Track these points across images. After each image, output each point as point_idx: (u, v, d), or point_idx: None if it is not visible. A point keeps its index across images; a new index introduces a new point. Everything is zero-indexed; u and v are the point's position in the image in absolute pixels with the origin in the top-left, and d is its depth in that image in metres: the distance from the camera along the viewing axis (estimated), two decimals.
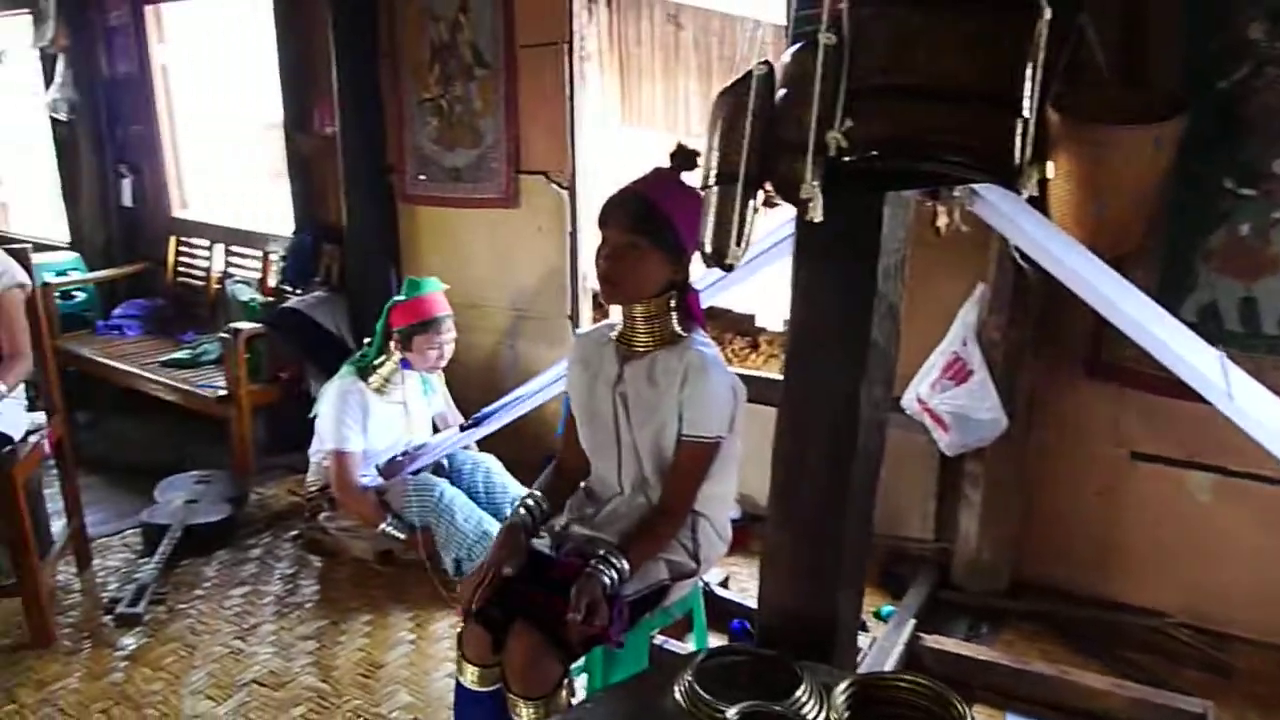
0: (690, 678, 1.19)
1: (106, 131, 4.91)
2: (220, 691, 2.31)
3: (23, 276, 2.51)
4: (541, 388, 2.62)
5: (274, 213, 4.57)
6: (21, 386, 2.55)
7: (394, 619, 2.66)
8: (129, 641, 2.51)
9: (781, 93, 1.01)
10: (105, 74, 4.82)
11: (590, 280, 3.65)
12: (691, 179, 1.73)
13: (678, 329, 1.78)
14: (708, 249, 1.11)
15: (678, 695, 1.19)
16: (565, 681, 1.67)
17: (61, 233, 5.35)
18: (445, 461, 3.09)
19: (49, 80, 4.82)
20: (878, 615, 2.70)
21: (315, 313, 3.85)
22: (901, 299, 1.21)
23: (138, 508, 3.28)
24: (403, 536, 2.83)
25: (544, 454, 3.61)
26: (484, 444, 3.10)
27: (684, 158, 1.69)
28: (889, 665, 2.30)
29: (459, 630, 1.73)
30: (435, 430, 3.23)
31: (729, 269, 1.09)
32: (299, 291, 4.09)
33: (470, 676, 1.71)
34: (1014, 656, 2.38)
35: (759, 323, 3.58)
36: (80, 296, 4.97)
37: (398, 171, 3.86)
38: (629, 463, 1.81)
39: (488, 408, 2.78)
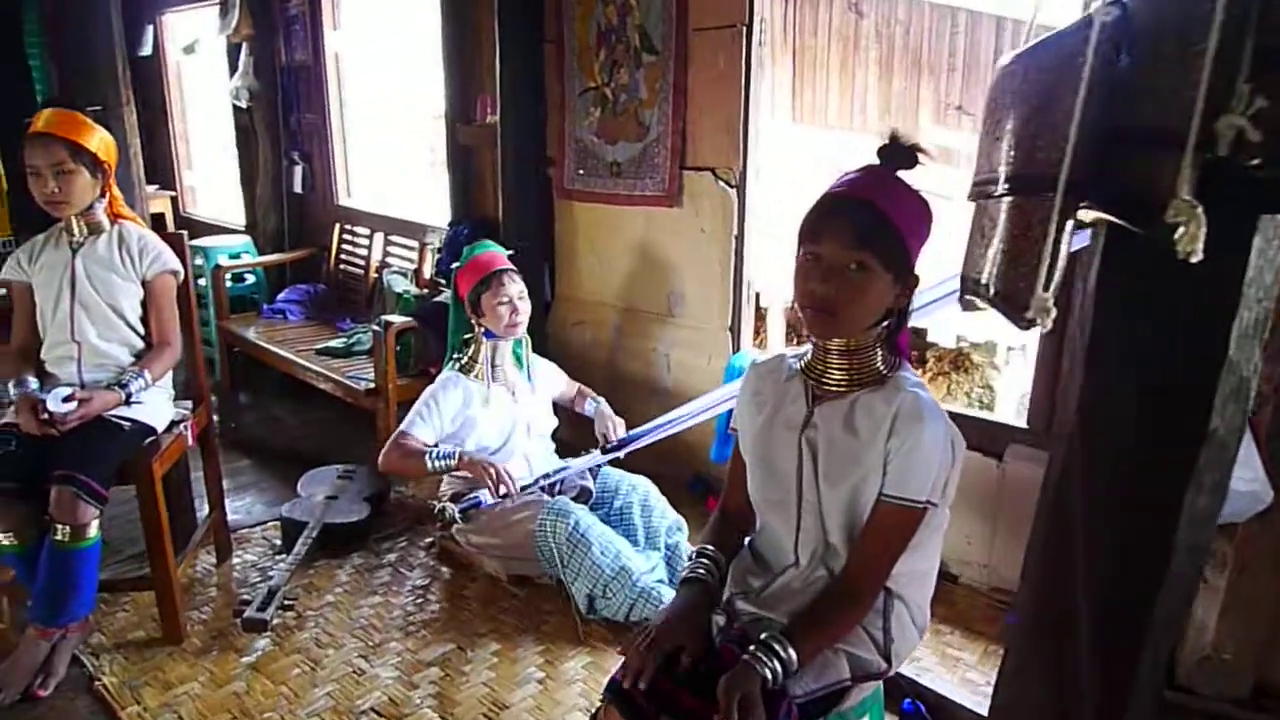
0: None
1: (281, 119, 5.00)
2: (337, 718, 2.15)
3: (175, 264, 2.45)
4: (695, 413, 2.32)
5: (434, 204, 4.51)
6: (169, 376, 2.49)
7: (523, 652, 2.44)
8: (255, 648, 2.41)
9: (1135, 54, 0.65)
10: (283, 62, 4.92)
11: (756, 288, 3.32)
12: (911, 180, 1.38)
13: (881, 367, 1.44)
14: (991, 289, 0.77)
15: None
16: None
17: (239, 217, 5.53)
18: (591, 482, 2.85)
19: (233, 69, 4.96)
20: None
21: None
22: (1259, 373, 0.82)
23: (284, 497, 3.24)
24: (459, 520, 2.68)
25: (693, 472, 3.33)
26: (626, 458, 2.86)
27: (903, 153, 1.34)
28: None
29: (597, 709, 1.45)
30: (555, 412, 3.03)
31: (1028, 325, 0.74)
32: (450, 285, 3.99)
33: None
34: None
35: (930, 337, 3.13)
36: (250, 279, 5.11)
37: (556, 165, 3.67)
38: (810, 528, 1.47)
39: (635, 430, 2.51)
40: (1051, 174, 0.67)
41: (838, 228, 1.32)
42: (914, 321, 2.89)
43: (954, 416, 2.83)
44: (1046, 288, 0.71)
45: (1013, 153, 0.71)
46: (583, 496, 2.82)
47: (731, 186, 3.09)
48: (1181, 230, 0.63)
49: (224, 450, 3.87)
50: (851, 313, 1.36)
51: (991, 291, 0.76)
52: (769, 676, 1.30)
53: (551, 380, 3.06)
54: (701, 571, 1.50)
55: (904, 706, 2.22)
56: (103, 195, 2.34)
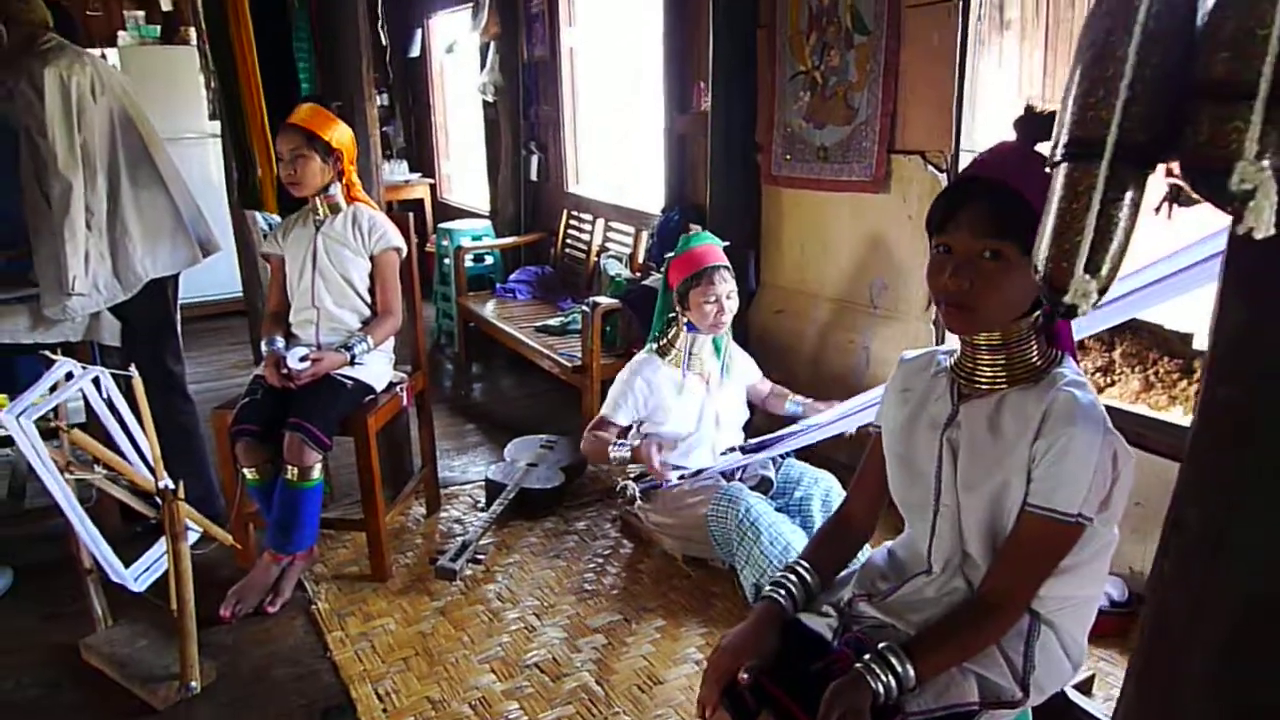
0: None
1: (521, 111, 5.36)
2: (505, 668, 2.30)
3: (398, 241, 2.71)
4: (850, 413, 2.22)
5: (653, 191, 4.63)
6: (390, 341, 2.77)
7: (686, 631, 2.46)
8: (445, 594, 2.64)
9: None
10: (524, 58, 5.25)
11: None
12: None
13: (1037, 361, 1.29)
14: (1038, 270, 0.68)
15: None
16: None
17: (485, 203, 6.01)
18: (773, 472, 2.82)
19: (483, 66, 5.38)
20: None
21: None
22: None
23: (497, 460, 3.50)
24: (639, 499, 2.79)
25: None
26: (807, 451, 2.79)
27: (1036, 124, 1.18)
28: None
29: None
30: (751, 409, 3.00)
31: (1071, 313, 0.65)
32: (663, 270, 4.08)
33: None
34: None
35: (1198, 344, 2.69)
36: (489, 261, 5.54)
37: (764, 150, 3.63)
38: (946, 533, 1.37)
39: (785, 430, 2.47)
40: (1101, 135, 0.57)
41: (967, 215, 1.21)
42: (1176, 323, 2.57)
43: (1160, 425, 2.48)
44: (1089, 268, 0.61)
45: (1070, 112, 0.61)
46: (763, 486, 2.79)
47: (942, 171, 2.90)
48: (1254, 199, 0.51)
49: (451, 414, 4.26)
50: (989, 305, 1.24)
51: (1039, 271, 0.66)
52: (881, 692, 1.22)
53: (747, 373, 3.05)
54: (781, 591, 1.43)
55: None
56: (340, 179, 2.65)
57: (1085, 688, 2.17)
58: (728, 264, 2.83)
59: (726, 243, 2.94)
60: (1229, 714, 0.77)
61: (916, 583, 1.40)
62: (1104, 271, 0.62)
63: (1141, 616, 0.81)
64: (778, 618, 1.41)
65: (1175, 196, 0.61)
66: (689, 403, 2.84)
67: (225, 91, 2.83)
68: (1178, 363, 2.68)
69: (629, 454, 2.73)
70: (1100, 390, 2.69)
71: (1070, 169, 0.61)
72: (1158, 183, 0.65)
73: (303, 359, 2.51)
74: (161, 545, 2.16)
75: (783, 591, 1.43)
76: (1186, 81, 0.55)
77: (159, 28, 6.02)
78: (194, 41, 5.50)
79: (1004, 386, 1.30)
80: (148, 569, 2.21)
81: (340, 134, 2.60)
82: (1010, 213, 1.17)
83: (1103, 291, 0.64)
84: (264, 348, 2.63)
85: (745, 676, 1.30)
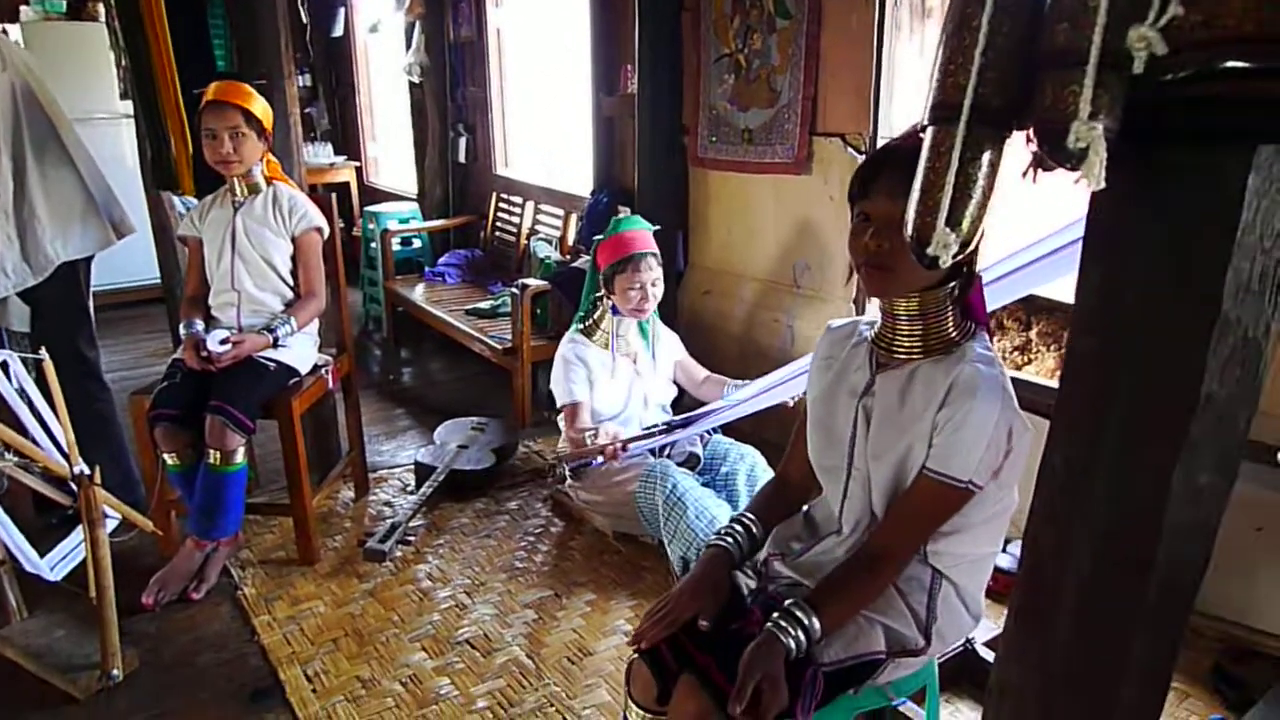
0: None
1: (448, 93, 5.30)
2: (436, 645, 2.32)
3: (320, 222, 2.68)
4: (774, 385, 2.29)
5: (582, 174, 4.64)
6: (315, 324, 2.74)
7: (615, 604, 2.52)
8: (374, 576, 2.64)
9: None
10: (450, 39, 5.19)
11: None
12: None
13: (953, 333, 1.37)
14: (908, 226, 0.73)
15: None
16: None
17: (413, 186, 5.92)
18: (700, 449, 2.88)
19: (408, 46, 5.30)
20: None
21: None
22: (1271, 331, 0.73)
23: (427, 444, 3.49)
24: (569, 477, 2.84)
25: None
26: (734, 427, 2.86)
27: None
28: None
29: (631, 661, 1.50)
30: (682, 392, 3.07)
31: (934, 264, 0.71)
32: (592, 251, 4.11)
33: (634, 717, 1.48)
34: None
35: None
36: (417, 244, 5.48)
37: (691, 133, 3.68)
38: (857, 496, 1.44)
39: (710, 406, 2.53)
40: (960, 101, 0.63)
41: (885, 181, 1.27)
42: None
43: (1054, 393, 2.63)
44: (949, 223, 0.67)
45: (934, 80, 0.67)
46: (690, 462, 2.86)
47: (860, 152, 2.99)
48: (1087, 158, 0.57)
49: (380, 399, 4.23)
50: (906, 265, 1.29)
51: (908, 228, 0.72)
52: (792, 647, 1.29)
53: (673, 350, 3.11)
54: (729, 540, 1.50)
55: None
56: (262, 158, 2.60)
57: (994, 644, 2.29)
58: (655, 251, 2.87)
59: (657, 226, 2.98)
60: (1093, 639, 0.84)
61: (828, 543, 1.47)
62: (965, 226, 0.68)
63: (1020, 555, 0.88)
64: (727, 564, 1.48)
65: (1040, 162, 0.67)
66: (618, 383, 2.88)
67: (136, 69, 2.74)
68: None
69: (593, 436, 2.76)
70: (1018, 368, 2.82)
71: (935, 131, 0.67)
72: (1024, 150, 0.71)
73: (223, 341, 2.47)
74: (78, 533, 2.12)
75: (730, 540, 1.50)
76: (1035, 51, 0.61)
77: (64, 2, 5.76)
78: (102, 17, 5.28)
79: (919, 357, 1.37)
80: (64, 557, 2.17)
81: (266, 111, 2.55)
82: None
83: (965, 245, 0.70)
84: (183, 331, 2.57)
85: (705, 624, 1.36)
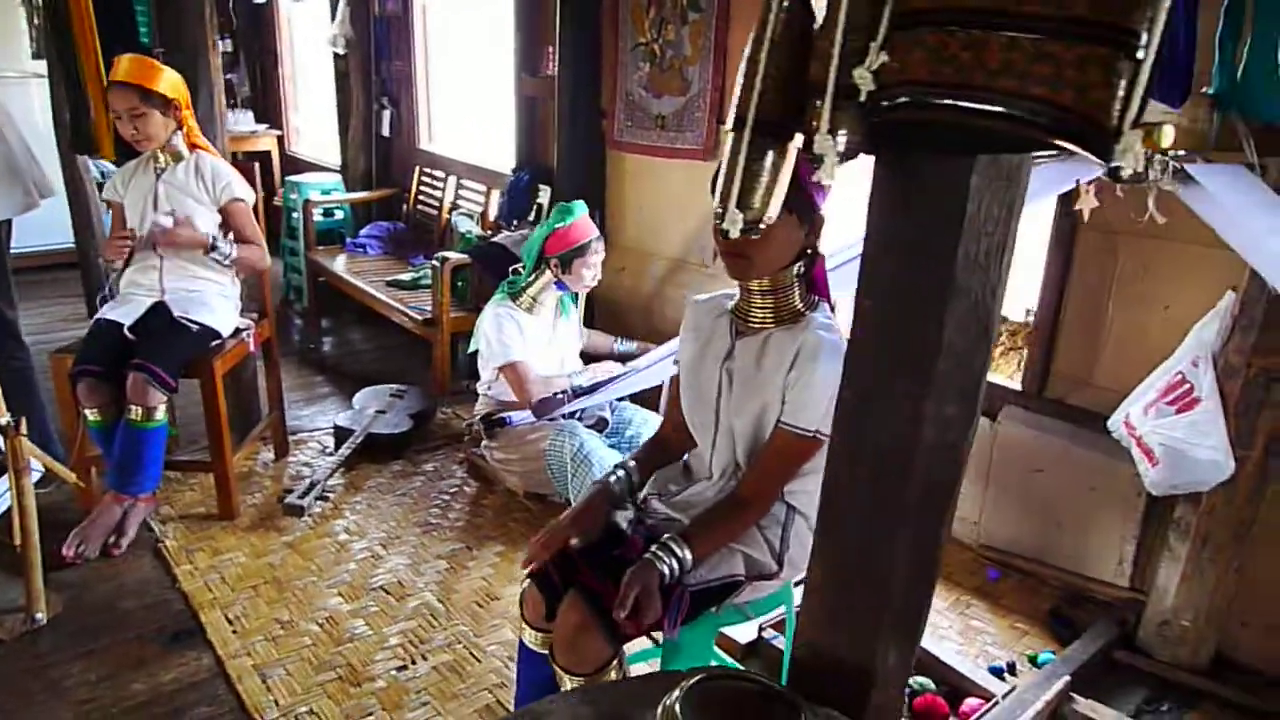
0: (677, 698, 1.07)
1: (373, 66, 5.34)
2: (352, 591, 2.48)
3: (242, 191, 2.77)
4: (654, 362, 2.51)
5: (503, 151, 4.76)
6: (237, 289, 2.84)
7: (522, 555, 2.70)
8: (293, 530, 2.77)
9: (822, 15, 0.80)
10: (376, 12, 5.24)
11: None
12: None
13: (799, 305, 1.60)
14: (715, 209, 0.95)
15: (658, 713, 1.07)
16: (616, 662, 1.58)
17: (336, 157, 5.94)
18: (609, 414, 3.09)
19: (333, 17, 5.32)
20: (1032, 661, 2.35)
21: (517, 248, 3.98)
22: (998, 294, 0.96)
23: (346, 409, 3.61)
24: (484, 436, 3.01)
25: None
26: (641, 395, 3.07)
27: None
28: None
29: (525, 586, 1.70)
30: (585, 360, 3.26)
31: (726, 235, 0.92)
32: (514, 226, 4.26)
33: (528, 636, 1.68)
34: None
35: (1006, 310, 3.09)
36: (339, 215, 5.53)
37: (608, 116, 3.86)
38: (723, 447, 1.66)
39: (607, 376, 2.74)
40: (747, 115, 0.84)
41: None
42: None
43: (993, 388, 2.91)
44: (740, 205, 0.88)
45: (734, 98, 0.88)
46: (599, 426, 3.06)
47: None
48: (822, 161, 0.79)
49: (300, 367, 4.31)
50: (763, 256, 1.53)
51: (714, 211, 0.94)
52: (666, 572, 1.51)
53: (574, 324, 3.29)
54: (613, 479, 1.71)
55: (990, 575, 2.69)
56: (180, 128, 2.68)
57: None
58: (600, 235, 3.06)
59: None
60: (869, 537, 1.08)
61: (700, 485, 1.69)
62: (755, 208, 0.89)
63: (831, 454, 1.11)
64: (606, 498, 1.69)
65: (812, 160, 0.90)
66: (539, 341, 3.05)
67: (57, 33, 2.78)
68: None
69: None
70: None
71: (733, 136, 0.88)
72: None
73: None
74: (3, 483, 2.20)
75: (612, 479, 1.71)
76: (803, 81, 0.82)
77: None
78: None
79: (771, 326, 1.60)
80: None
81: (172, 83, 2.60)
82: None
83: (754, 222, 0.91)
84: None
85: (575, 543, 1.56)
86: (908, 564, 1.07)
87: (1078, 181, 1.57)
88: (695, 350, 1.71)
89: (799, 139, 0.86)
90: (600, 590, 1.53)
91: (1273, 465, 2.17)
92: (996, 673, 2.29)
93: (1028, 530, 2.74)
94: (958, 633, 2.48)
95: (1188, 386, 2.21)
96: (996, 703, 2.07)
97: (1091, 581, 2.63)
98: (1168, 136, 0.68)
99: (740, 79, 0.85)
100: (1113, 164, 0.68)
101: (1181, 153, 1.55)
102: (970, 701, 2.12)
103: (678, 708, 1.06)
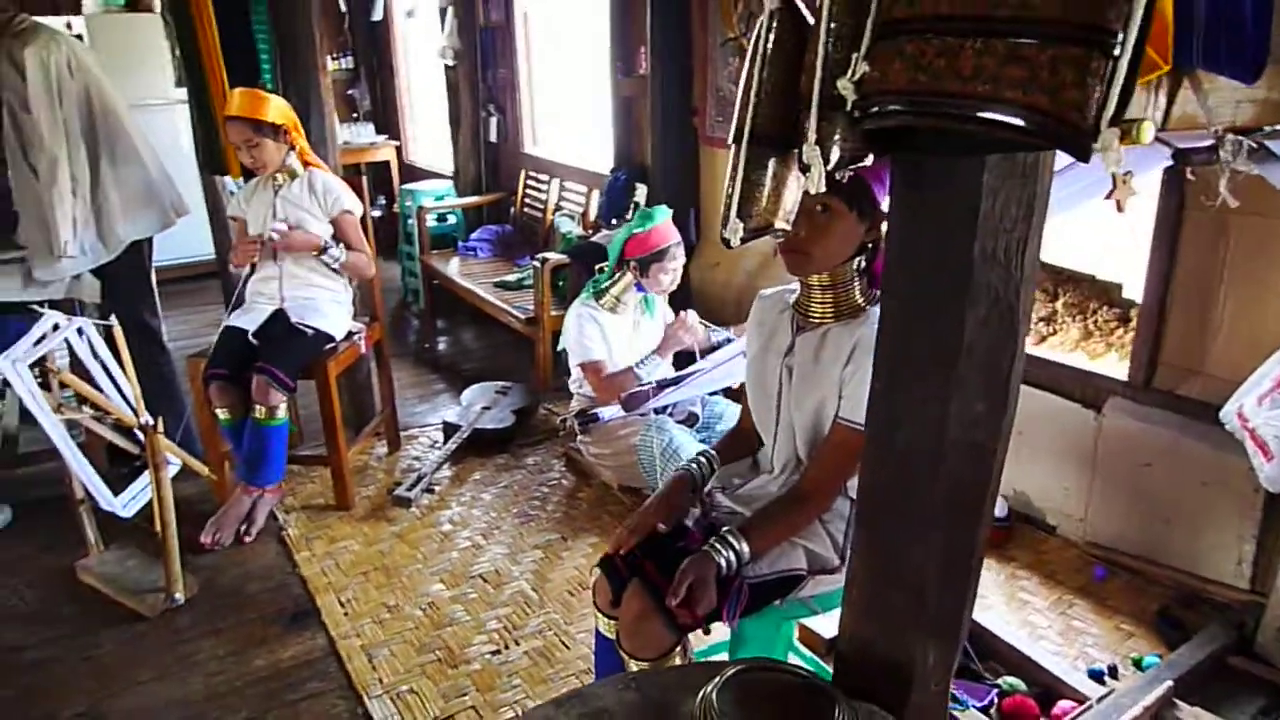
0: (715, 687, 1.11)
1: (479, 75, 5.56)
2: (453, 578, 2.63)
3: (350, 204, 2.97)
4: (732, 357, 2.53)
5: (603, 152, 4.87)
6: (350, 295, 3.05)
7: None
8: (402, 520, 2.95)
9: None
10: (481, 23, 5.44)
11: None
12: None
13: (860, 299, 1.60)
14: (721, 217, 0.98)
15: (696, 701, 1.11)
16: (679, 649, 1.63)
17: (449, 164, 6.21)
18: (700, 409, 3.13)
19: (442, 29, 5.56)
20: (1136, 664, 2.25)
21: None
22: (1022, 292, 0.95)
23: (455, 406, 3.80)
24: (578, 432, 3.07)
25: None
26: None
27: None
28: None
29: (596, 576, 1.77)
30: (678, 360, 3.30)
31: (727, 244, 0.95)
32: (613, 225, 4.36)
33: (601, 623, 1.76)
34: None
35: (1127, 293, 2.90)
36: (451, 220, 5.78)
37: (700, 113, 3.89)
38: (784, 441, 1.68)
39: (688, 369, 2.78)
40: (745, 128, 0.87)
41: None
42: (1108, 274, 2.80)
43: (1050, 364, 2.78)
44: (740, 215, 0.91)
45: (734, 113, 0.91)
46: (690, 420, 3.11)
47: None
48: (810, 171, 0.81)
49: (416, 366, 4.56)
50: (822, 251, 1.54)
51: (721, 218, 0.96)
52: (723, 565, 1.54)
53: (666, 314, 3.34)
54: (694, 468, 1.75)
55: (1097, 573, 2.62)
56: (292, 148, 2.89)
57: None
58: (679, 239, 3.11)
59: (670, 210, 3.19)
60: (902, 537, 1.09)
61: (762, 479, 1.72)
62: (755, 218, 0.92)
63: (864, 453, 1.12)
64: (688, 486, 1.73)
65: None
66: (621, 341, 3.12)
67: (187, 61, 3.05)
68: (1116, 311, 2.87)
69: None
70: (1042, 339, 2.96)
71: (734, 148, 0.92)
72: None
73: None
74: (145, 477, 2.46)
75: (695, 467, 1.75)
76: (796, 93, 0.85)
77: None
78: (158, 9, 5.63)
79: (831, 321, 1.61)
80: (134, 497, 2.51)
81: (279, 110, 2.80)
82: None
83: (755, 232, 0.94)
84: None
85: (663, 528, 1.63)
86: (939, 564, 1.07)
87: (1113, 175, 1.49)
88: (760, 345, 1.73)
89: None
90: (659, 581, 1.58)
91: None
92: (1096, 676, 2.20)
93: (1136, 526, 2.61)
94: (1057, 633, 2.40)
95: None
96: (1090, 706, 1.99)
97: (1207, 582, 2.48)
98: (1148, 133, 0.67)
99: (737, 99, 0.89)
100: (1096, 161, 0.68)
101: (1266, 129, 1.46)
102: (1063, 704, 2.06)
103: (715, 697, 1.11)
